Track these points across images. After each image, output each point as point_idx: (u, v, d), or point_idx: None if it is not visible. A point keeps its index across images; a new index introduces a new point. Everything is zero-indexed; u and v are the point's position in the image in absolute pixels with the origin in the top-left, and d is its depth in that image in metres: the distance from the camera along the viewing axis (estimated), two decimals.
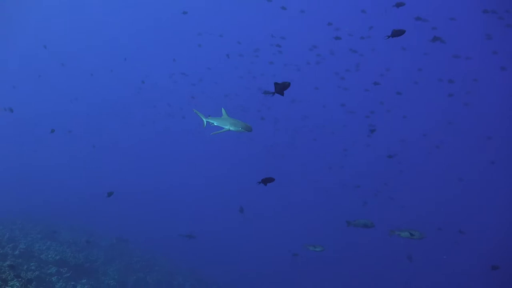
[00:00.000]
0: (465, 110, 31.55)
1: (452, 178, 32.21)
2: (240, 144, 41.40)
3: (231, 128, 7.55)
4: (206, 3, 47.65)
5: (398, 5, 12.03)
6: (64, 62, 34.68)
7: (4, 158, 32.23)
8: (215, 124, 8.14)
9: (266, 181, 7.18)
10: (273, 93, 5.79)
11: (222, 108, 8.19)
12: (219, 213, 31.69)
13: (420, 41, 25.16)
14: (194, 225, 23.42)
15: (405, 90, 26.64)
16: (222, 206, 32.08)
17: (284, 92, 5.64)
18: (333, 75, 28.43)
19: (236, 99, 35.15)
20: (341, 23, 26.23)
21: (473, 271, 23.87)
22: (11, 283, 8.54)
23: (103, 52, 49.18)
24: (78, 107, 41.58)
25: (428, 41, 18.20)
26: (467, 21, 30.89)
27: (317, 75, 36.45)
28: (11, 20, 40.93)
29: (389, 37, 7.10)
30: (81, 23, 50.54)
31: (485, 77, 31.97)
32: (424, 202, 34.35)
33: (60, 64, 34.39)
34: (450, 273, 25.91)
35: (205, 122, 8.54)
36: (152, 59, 49.79)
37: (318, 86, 30.19)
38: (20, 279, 8.91)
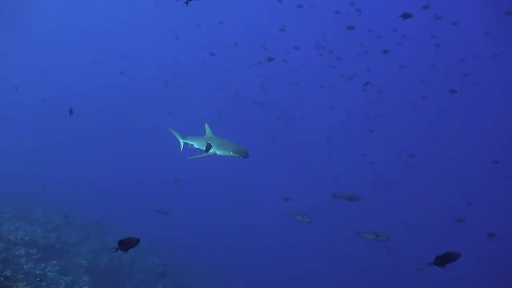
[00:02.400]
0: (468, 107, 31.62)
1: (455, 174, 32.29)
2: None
3: (217, 152, 5.78)
4: None
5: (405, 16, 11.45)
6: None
7: None
8: (195, 146, 6.26)
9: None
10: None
11: (206, 124, 6.34)
12: (209, 205, 31.34)
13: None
14: (179, 209, 23.24)
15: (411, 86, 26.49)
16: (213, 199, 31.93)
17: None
18: (340, 72, 27.82)
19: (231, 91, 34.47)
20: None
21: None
22: None
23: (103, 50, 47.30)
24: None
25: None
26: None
27: (322, 73, 35.46)
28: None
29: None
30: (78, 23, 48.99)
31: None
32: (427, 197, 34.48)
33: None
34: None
35: (181, 146, 6.58)
36: (150, 53, 48.11)
37: (322, 83, 29.47)
38: None
